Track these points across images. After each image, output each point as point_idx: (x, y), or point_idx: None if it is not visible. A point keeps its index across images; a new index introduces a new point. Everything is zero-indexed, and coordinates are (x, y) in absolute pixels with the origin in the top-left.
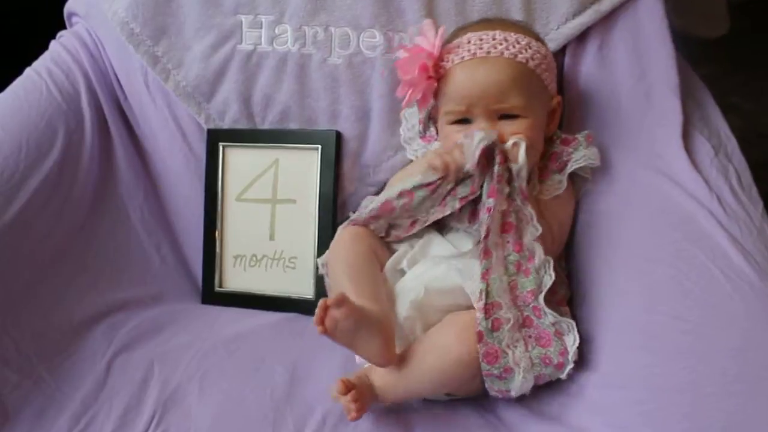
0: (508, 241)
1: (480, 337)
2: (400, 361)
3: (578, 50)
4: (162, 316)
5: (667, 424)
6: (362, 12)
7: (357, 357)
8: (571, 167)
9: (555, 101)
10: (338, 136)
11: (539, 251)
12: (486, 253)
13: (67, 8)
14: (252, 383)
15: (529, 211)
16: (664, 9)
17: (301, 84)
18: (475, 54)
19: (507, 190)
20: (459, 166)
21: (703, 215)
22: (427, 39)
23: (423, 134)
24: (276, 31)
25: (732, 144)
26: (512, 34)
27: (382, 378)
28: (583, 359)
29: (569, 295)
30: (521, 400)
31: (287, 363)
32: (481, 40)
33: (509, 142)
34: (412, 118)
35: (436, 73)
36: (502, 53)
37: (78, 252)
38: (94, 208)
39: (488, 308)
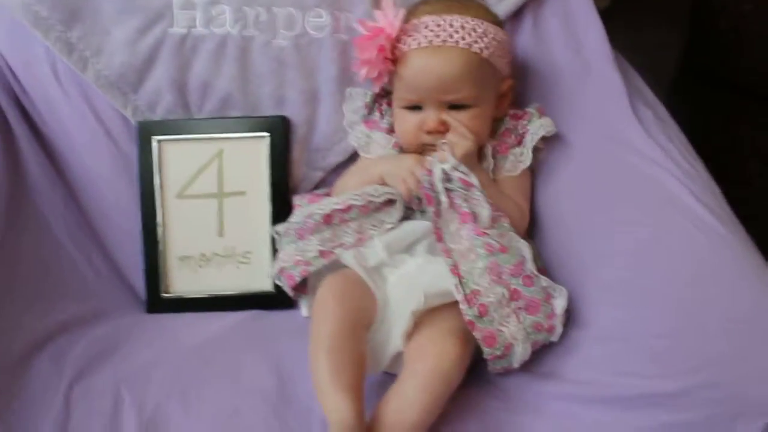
0: (469, 231)
1: (472, 325)
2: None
3: (515, 27)
4: (111, 332)
5: (675, 362)
6: None
7: None
8: (531, 139)
9: (506, 85)
10: (285, 121)
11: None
12: (446, 252)
13: None
14: (240, 391)
15: (477, 194)
16: None
17: (243, 68)
18: (431, 42)
19: (442, 189)
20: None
21: (666, 177)
22: (385, 16)
23: (367, 117)
24: (213, 12)
25: (661, 107)
26: (470, 19)
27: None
28: (571, 318)
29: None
30: None
31: (270, 364)
32: (438, 26)
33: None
34: (357, 99)
35: (393, 56)
36: (458, 42)
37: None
38: (8, 222)
39: (470, 298)
